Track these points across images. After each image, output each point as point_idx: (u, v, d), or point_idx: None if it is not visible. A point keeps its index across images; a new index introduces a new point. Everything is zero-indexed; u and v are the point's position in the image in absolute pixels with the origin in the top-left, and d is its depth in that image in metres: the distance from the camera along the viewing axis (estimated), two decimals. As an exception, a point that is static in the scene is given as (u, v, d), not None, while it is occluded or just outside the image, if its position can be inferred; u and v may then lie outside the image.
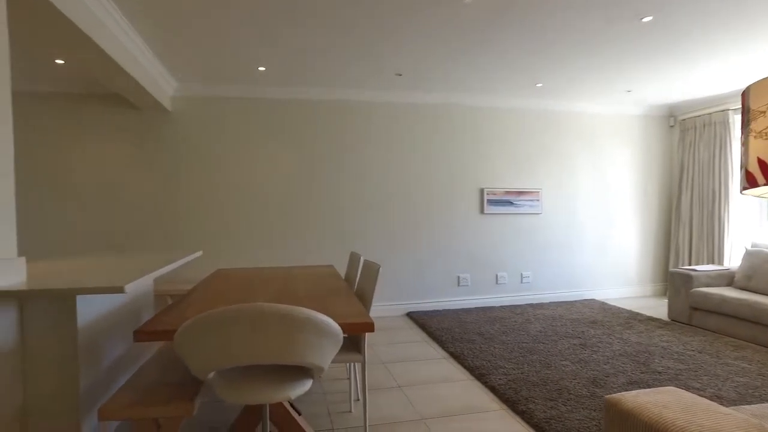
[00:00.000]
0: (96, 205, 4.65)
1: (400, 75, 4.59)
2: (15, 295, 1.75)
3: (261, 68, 4.33)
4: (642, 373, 3.15)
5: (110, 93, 4.69)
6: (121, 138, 4.70)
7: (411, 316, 5.02)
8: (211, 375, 1.77)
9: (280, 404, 2.02)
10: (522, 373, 3.18)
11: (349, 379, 2.91)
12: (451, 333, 4.22)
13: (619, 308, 5.18)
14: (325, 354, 1.71)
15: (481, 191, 5.42)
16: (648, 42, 3.67)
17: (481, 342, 3.93)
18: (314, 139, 5.02)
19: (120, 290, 1.79)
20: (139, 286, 2.79)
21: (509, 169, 5.51)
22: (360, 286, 2.85)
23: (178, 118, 4.80)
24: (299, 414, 2.03)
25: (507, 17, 3.22)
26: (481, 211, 5.42)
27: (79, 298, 1.98)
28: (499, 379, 3.09)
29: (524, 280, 5.56)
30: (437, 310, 5.19)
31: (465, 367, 3.40)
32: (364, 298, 2.62)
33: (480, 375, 3.18)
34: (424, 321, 4.70)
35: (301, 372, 1.84)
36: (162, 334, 1.74)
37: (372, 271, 2.62)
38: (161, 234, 4.77)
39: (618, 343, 3.83)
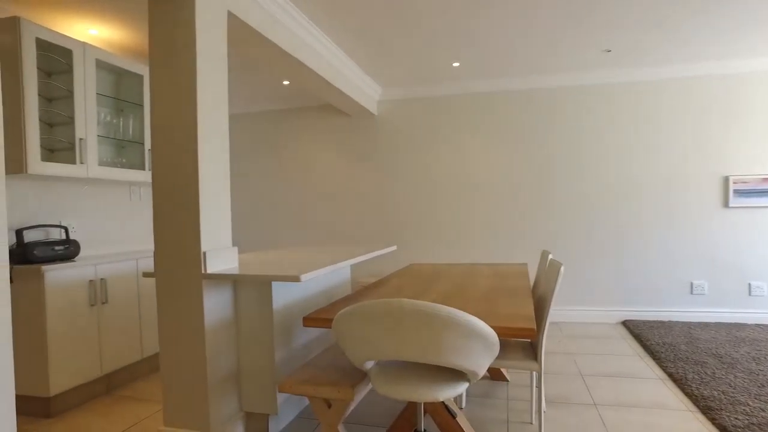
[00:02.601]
0: (309, 203, 5.37)
1: (609, 51, 4.01)
2: (230, 278, 2.12)
3: (455, 64, 4.33)
4: None
5: (324, 104, 5.35)
6: (333, 142, 5.32)
7: (627, 325, 4.34)
8: (370, 365, 1.83)
9: (440, 404, 1.97)
10: (772, 416, 2.41)
11: (531, 387, 2.66)
12: (675, 350, 3.49)
13: None
14: (476, 358, 1.59)
15: (725, 180, 4.33)
16: None
17: (716, 366, 3.13)
18: (512, 132, 4.79)
19: (296, 279, 2.01)
20: (335, 275, 3.10)
21: (766, 152, 4.26)
22: (542, 287, 2.58)
23: (382, 121, 5.17)
24: (453, 416, 1.95)
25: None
26: (725, 204, 4.33)
27: (275, 283, 2.30)
28: (736, 418, 2.40)
29: (794, 293, 4.23)
30: (660, 321, 4.37)
31: (687, 394, 2.76)
32: (545, 299, 2.36)
33: (707, 408, 2.54)
34: (641, 332, 4.01)
35: (457, 375, 1.76)
36: (325, 322, 1.88)
37: (553, 271, 2.34)
38: (367, 228, 5.22)
39: None
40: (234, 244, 5.71)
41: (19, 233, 2.63)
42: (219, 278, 2.12)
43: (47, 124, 2.90)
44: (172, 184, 2.17)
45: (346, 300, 2.27)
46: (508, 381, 3.11)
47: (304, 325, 1.91)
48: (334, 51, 3.74)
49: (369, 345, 1.62)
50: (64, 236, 2.95)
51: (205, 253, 2.14)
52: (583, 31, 3.51)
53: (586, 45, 3.83)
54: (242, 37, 2.76)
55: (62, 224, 2.96)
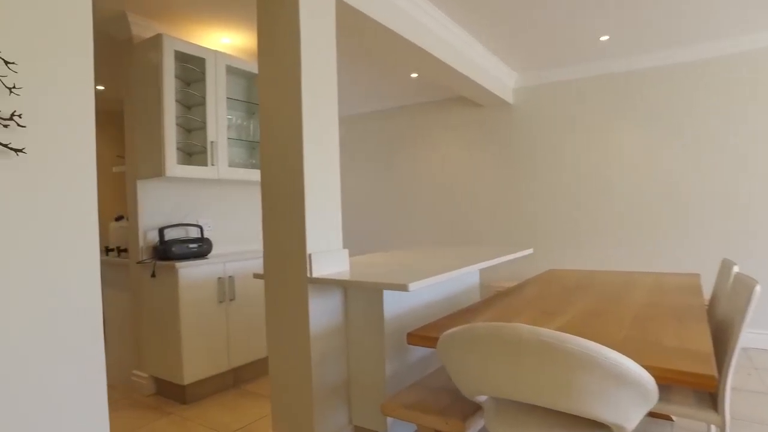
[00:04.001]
0: (439, 201, 5.10)
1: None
2: (335, 283, 1.98)
3: (603, 38, 3.70)
4: None
5: (455, 96, 5.04)
6: (464, 136, 4.99)
7: None
8: (484, 398, 1.52)
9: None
10: None
11: (708, 439, 2.06)
12: None
13: None
14: (623, 409, 1.18)
15: None
16: None
17: None
18: (676, 114, 3.94)
19: (404, 288, 1.78)
20: (461, 279, 2.81)
21: None
22: (723, 307, 1.96)
23: (519, 110, 4.70)
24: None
25: None
26: None
27: (387, 291, 2.10)
28: None
29: None
30: None
31: None
32: (727, 328, 1.77)
33: None
34: None
35: (596, 423, 1.35)
36: (430, 341, 1.61)
37: (743, 289, 1.74)
38: (501, 229, 4.80)
39: None
40: (350, 245, 5.74)
41: (161, 231, 2.85)
42: (324, 282, 1.99)
43: (186, 130, 3.11)
44: (278, 184, 2.11)
45: (464, 313, 1.97)
46: (672, 420, 2.49)
47: (408, 342, 1.66)
48: (459, 34, 3.43)
49: (478, 378, 1.31)
50: (199, 235, 3.15)
51: (310, 256, 2.02)
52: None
53: (790, -8, 2.93)
54: (357, 25, 2.62)
55: (198, 223, 3.16)
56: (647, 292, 2.32)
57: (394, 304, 2.16)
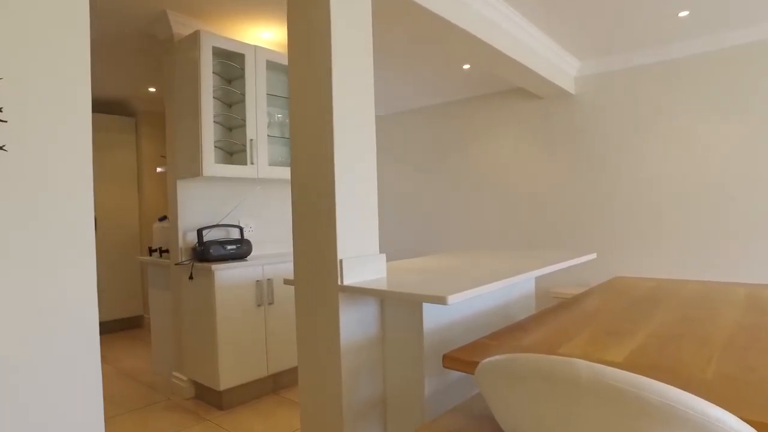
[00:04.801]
0: (494, 202, 4.78)
1: None
2: (367, 292, 1.79)
3: (682, 13, 3.27)
4: None
5: (513, 88, 4.71)
6: (522, 130, 4.65)
7: None
8: (532, 436, 1.27)
9: None
10: None
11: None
12: None
13: None
14: (717, 476, 0.90)
15: None
16: None
17: None
18: (774, 96, 3.42)
19: (442, 301, 1.56)
20: (513, 287, 2.54)
21: None
22: None
23: (581, 101, 4.31)
24: None
25: None
26: None
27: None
28: None
29: None
30: None
31: None
32: None
33: None
34: None
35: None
36: (467, 366, 1.38)
37: None
38: (561, 231, 4.42)
39: None
40: (396, 249, 5.52)
41: (199, 232, 2.79)
42: (356, 291, 1.81)
43: (227, 128, 3.04)
44: (308, 184, 1.95)
45: (511, 331, 1.72)
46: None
47: (444, 366, 1.44)
48: (514, 18, 3.14)
49: (522, 420, 1.07)
50: (239, 236, 3.07)
51: (341, 262, 1.85)
52: None
53: None
54: (398, 12, 2.42)
55: (239, 224, 3.08)
56: (741, 308, 1.94)
57: (436, 315, 1.94)
